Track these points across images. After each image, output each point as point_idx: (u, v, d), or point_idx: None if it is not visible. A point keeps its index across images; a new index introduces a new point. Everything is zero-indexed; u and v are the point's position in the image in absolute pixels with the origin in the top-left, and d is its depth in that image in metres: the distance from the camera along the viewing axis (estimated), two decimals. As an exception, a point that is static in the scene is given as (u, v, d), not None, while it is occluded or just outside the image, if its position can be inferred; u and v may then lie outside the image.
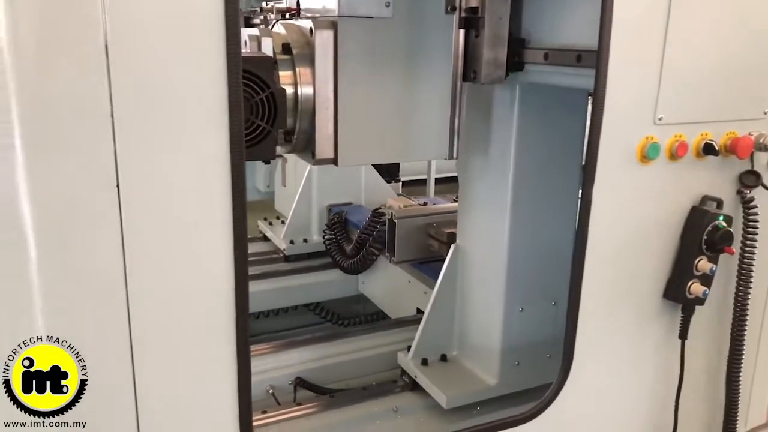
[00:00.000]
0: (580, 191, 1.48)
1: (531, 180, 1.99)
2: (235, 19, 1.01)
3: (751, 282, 1.65)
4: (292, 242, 3.51)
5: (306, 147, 1.70)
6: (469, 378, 2.24)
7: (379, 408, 2.26)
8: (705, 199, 1.59)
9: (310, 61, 1.61)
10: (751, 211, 1.62)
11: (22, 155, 0.99)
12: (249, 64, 1.43)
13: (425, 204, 3.05)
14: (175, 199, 1.07)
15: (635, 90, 1.43)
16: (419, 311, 2.86)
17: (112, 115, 0.99)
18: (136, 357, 1.11)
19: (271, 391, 2.46)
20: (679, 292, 1.60)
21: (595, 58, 1.46)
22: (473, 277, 2.22)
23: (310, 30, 1.61)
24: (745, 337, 1.69)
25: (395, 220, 2.81)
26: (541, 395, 2.08)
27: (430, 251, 2.83)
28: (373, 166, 3.69)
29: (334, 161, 1.70)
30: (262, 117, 1.51)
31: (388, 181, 3.87)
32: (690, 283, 1.59)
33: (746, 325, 1.69)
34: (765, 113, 1.62)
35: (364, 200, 3.65)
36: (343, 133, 1.66)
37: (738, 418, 1.79)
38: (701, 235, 1.57)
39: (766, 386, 1.93)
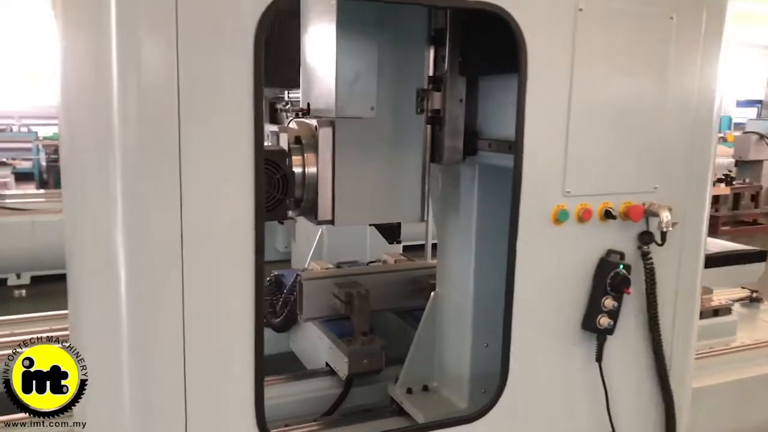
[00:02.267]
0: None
1: (490, 237, 2.49)
2: (260, 131, 1.59)
3: (657, 312, 2.14)
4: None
5: (311, 211, 2.26)
6: (445, 403, 2.68)
7: (371, 429, 2.71)
8: (609, 252, 2.09)
9: (315, 149, 2.19)
10: (648, 261, 2.11)
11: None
12: (269, 154, 2.02)
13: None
14: (215, 243, 1.62)
15: (546, 171, 1.96)
16: (327, 365, 3.12)
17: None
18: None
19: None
20: (592, 323, 2.08)
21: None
22: (448, 318, 2.71)
23: (315, 127, 2.20)
24: (664, 352, 2.15)
25: (302, 282, 3.05)
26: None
27: (335, 309, 3.02)
28: (377, 229, 4.26)
29: (332, 222, 2.25)
30: (278, 190, 2.09)
31: (390, 242, 4.42)
32: (599, 316, 2.08)
33: (661, 343, 2.15)
34: (655, 188, 2.14)
35: (369, 258, 4.19)
36: (339, 201, 2.22)
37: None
38: (606, 279, 2.06)
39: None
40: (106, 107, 1.52)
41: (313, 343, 3.32)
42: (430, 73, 2.32)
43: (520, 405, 2.09)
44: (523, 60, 1.88)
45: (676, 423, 2.31)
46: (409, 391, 2.77)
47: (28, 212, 6.29)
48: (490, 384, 2.62)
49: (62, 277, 5.75)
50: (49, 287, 5.95)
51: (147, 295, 1.60)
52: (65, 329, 3.42)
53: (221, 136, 1.59)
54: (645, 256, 2.11)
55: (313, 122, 2.21)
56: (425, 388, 2.79)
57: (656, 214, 2.07)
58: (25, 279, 6.10)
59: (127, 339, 1.62)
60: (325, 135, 2.18)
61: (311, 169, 2.20)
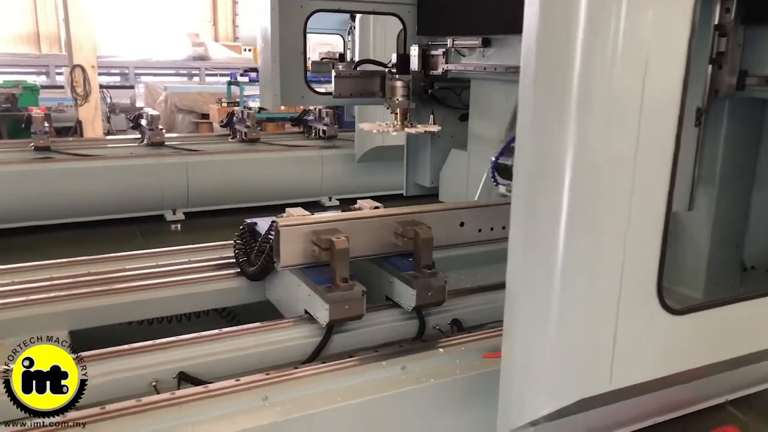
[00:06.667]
0: None
1: (731, 160, 3.10)
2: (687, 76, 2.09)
3: None
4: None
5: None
6: (682, 295, 3.27)
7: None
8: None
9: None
10: None
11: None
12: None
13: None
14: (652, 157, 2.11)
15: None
16: (306, 312, 3.05)
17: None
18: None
19: (154, 384, 2.55)
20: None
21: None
22: (686, 232, 3.28)
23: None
24: None
25: (279, 228, 2.95)
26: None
27: (313, 257, 2.99)
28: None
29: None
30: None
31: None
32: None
33: None
34: None
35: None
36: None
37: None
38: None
39: None
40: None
41: (291, 291, 3.24)
42: (716, 22, 2.81)
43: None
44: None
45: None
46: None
47: (184, 154, 6.87)
48: (720, 278, 3.27)
49: (210, 213, 6.55)
50: (199, 221, 6.53)
51: (603, 196, 2.07)
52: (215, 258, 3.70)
53: (663, 87, 2.08)
54: None
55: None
56: (661, 287, 3.40)
57: None
58: (180, 215, 6.61)
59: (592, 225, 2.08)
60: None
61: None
